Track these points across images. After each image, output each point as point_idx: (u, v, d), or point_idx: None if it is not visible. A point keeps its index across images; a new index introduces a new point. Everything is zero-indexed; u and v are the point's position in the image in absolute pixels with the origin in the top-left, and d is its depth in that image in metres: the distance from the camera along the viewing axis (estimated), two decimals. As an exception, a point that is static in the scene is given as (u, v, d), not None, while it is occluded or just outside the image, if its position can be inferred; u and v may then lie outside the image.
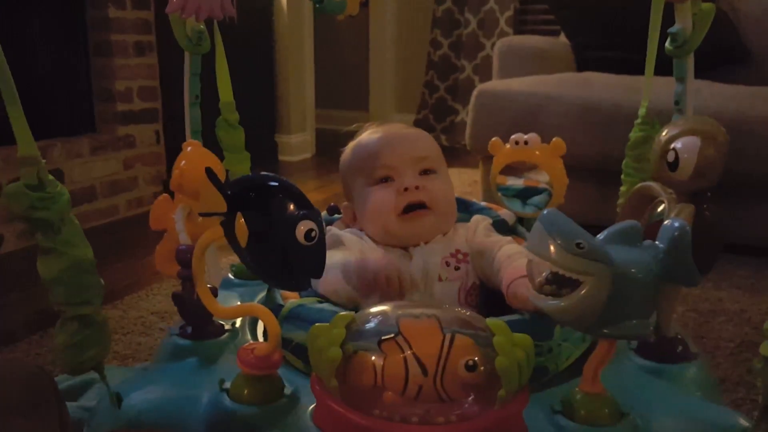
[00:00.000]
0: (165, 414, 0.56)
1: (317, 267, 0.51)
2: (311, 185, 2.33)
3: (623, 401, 0.55)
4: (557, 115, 1.61)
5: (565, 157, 0.88)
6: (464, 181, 2.34)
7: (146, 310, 1.22)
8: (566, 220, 0.48)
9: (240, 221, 0.49)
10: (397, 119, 3.39)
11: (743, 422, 0.57)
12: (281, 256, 0.50)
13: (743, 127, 1.45)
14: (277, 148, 2.75)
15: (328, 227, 0.84)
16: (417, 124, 3.29)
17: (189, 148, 0.64)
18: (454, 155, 2.83)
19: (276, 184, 0.51)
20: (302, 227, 0.48)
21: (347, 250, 0.75)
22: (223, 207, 0.49)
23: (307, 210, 0.49)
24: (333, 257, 0.71)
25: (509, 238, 0.79)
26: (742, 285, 1.37)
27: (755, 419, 0.54)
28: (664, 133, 0.66)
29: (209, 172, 0.48)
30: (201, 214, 0.54)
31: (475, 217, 0.83)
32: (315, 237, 0.48)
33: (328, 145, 2.94)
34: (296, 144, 2.80)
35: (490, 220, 0.83)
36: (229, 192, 0.49)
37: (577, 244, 0.46)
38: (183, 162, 0.63)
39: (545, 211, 0.49)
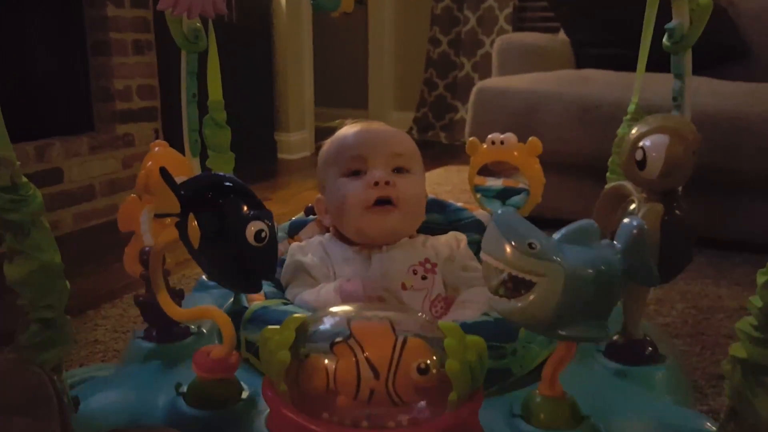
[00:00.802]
0: (122, 417, 0.56)
1: (268, 268, 0.50)
2: (310, 183, 2.32)
3: (589, 404, 0.54)
4: (556, 112, 1.60)
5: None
6: (463, 179, 2.31)
7: (146, 309, 1.22)
8: (520, 220, 0.48)
9: (192, 222, 0.48)
10: (396, 117, 3.38)
11: (710, 426, 0.57)
12: (232, 257, 0.49)
13: (742, 125, 1.44)
14: (277, 146, 2.76)
15: (294, 243, 0.83)
16: (416, 122, 3.28)
17: (156, 149, 0.64)
18: (454, 153, 2.81)
19: (228, 184, 0.50)
20: (252, 228, 0.47)
21: (315, 286, 0.74)
22: (177, 208, 0.48)
23: (258, 210, 0.48)
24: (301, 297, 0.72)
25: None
26: (742, 282, 1.35)
27: (721, 421, 0.53)
28: (634, 131, 0.64)
29: (163, 171, 0.47)
30: (156, 215, 0.54)
31: (452, 234, 0.82)
32: (265, 237, 0.48)
33: (329, 143, 2.93)
34: (295, 142, 2.80)
35: (466, 239, 0.81)
36: (182, 192, 0.48)
37: (529, 244, 0.46)
38: (149, 163, 0.62)
39: (499, 211, 0.48)
